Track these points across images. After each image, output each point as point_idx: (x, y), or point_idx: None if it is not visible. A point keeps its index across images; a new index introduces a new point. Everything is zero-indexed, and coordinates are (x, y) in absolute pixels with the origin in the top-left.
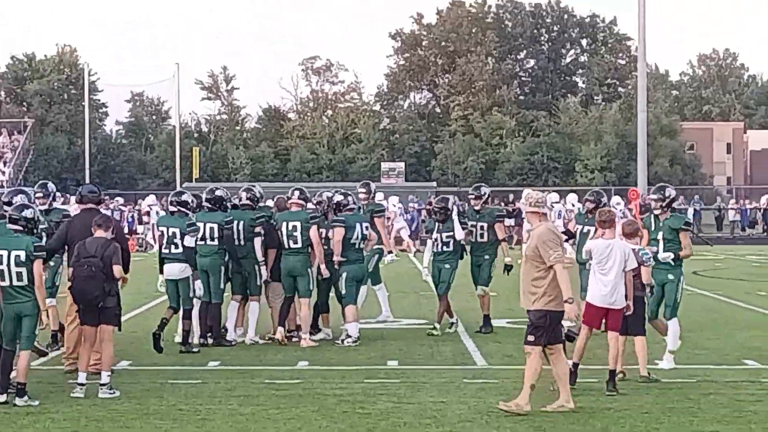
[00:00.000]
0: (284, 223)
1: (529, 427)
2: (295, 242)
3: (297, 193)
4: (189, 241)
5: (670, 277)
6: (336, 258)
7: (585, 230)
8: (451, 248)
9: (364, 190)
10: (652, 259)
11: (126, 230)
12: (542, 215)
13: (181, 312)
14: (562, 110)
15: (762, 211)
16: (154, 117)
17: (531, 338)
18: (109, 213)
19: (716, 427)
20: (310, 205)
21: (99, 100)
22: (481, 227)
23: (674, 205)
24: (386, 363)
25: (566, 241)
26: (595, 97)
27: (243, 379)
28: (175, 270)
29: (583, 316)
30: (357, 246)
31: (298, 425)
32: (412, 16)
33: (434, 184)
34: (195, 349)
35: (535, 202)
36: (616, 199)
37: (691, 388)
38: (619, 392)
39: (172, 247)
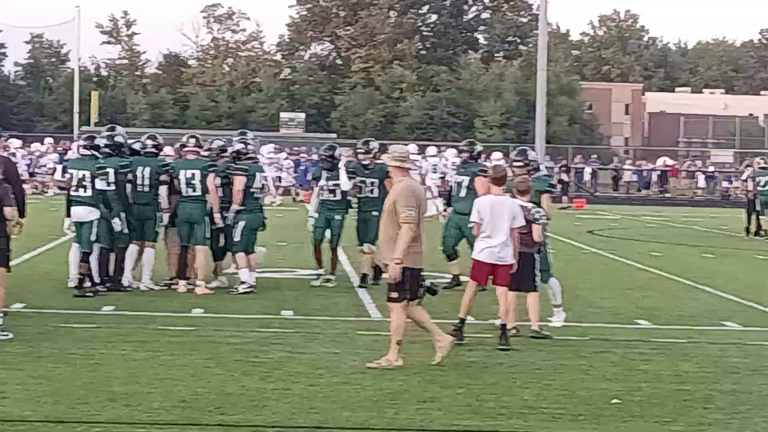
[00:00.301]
0: (182, 171)
1: (420, 381)
2: (194, 190)
3: (192, 140)
4: (100, 183)
5: None
6: (235, 206)
7: (459, 180)
8: (338, 197)
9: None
10: (544, 218)
11: (24, 172)
12: (405, 170)
13: (78, 255)
14: (463, 66)
15: (658, 172)
16: (53, 60)
17: (394, 295)
18: (4, 155)
19: (606, 385)
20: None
21: None
22: (371, 182)
23: (572, 164)
24: (281, 313)
25: (438, 197)
26: (496, 55)
27: (137, 325)
28: (83, 212)
29: (470, 271)
30: (255, 195)
31: (191, 372)
32: None
33: (334, 135)
34: (89, 294)
35: (399, 156)
36: (497, 155)
37: (583, 345)
38: (512, 348)
39: (81, 190)
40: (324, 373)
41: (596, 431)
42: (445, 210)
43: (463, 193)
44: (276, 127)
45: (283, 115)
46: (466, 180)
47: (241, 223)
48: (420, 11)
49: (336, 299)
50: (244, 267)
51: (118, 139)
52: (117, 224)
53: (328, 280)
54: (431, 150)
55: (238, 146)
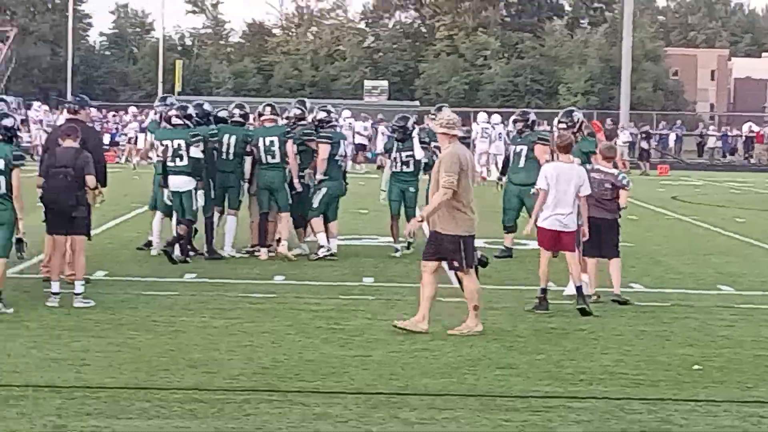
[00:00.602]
0: (261, 139)
1: (500, 347)
2: (273, 157)
3: (269, 108)
4: (195, 151)
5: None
6: (319, 175)
7: (518, 150)
8: (411, 168)
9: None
10: (631, 182)
11: (108, 141)
12: (452, 137)
13: (160, 225)
14: (548, 33)
15: (743, 138)
16: (138, 29)
17: (456, 264)
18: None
19: (687, 351)
20: (280, 121)
21: (83, 11)
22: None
23: (658, 130)
24: (361, 280)
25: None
26: (581, 21)
27: (217, 293)
28: (182, 182)
29: (538, 239)
30: (339, 162)
31: (271, 339)
32: None
33: (417, 103)
34: (183, 260)
35: (446, 123)
36: (496, 117)
37: (664, 311)
38: (594, 314)
39: (177, 159)
40: (404, 339)
41: (677, 397)
42: (499, 179)
43: (521, 163)
44: (360, 95)
45: (367, 83)
46: (524, 149)
47: (323, 190)
48: None
49: (416, 266)
50: (321, 231)
51: (206, 107)
52: (201, 197)
53: (407, 247)
54: (496, 118)
55: (321, 114)
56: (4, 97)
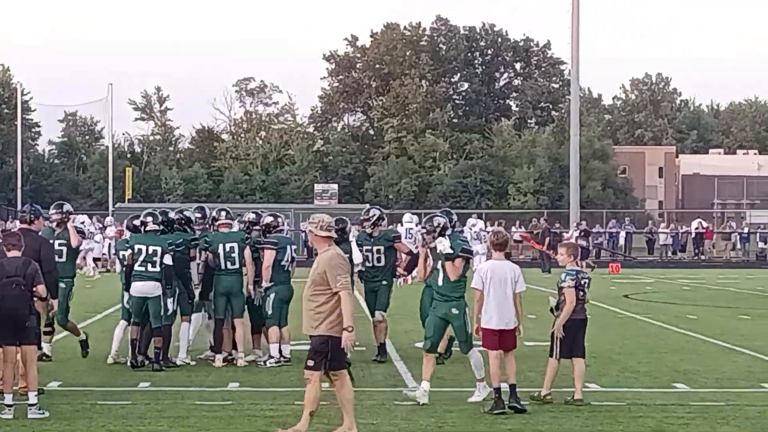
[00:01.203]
0: (221, 245)
1: None
2: (233, 263)
3: (224, 213)
4: (168, 258)
5: (455, 311)
6: (265, 282)
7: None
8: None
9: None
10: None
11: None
12: (330, 239)
13: (121, 333)
14: (496, 133)
15: (693, 235)
16: (87, 137)
17: (311, 363)
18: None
19: None
20: (235, 225)
21: (32, 120)
22: (377, 251)
23: (607, 228)
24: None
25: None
26: (529, 121)
27: (174, 401)
28: (150, 287)
29: (482, 341)
30: (286, 268)
31: None
32: (346, 38)
33: (367, 206)
34: (179, 363)
35: (326, 226)
36: (471, 221)
37: (620, 410)
38: (549, 413)
39: (149, 265)
40: None
41: None
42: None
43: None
44: (310, 198)
45: (317, 187)
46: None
47: (272, 296)
48: (452, 80)
49: (372, 370)
50: (275, 341)
51: (171, 215)
52: (170, 303)
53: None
54: (407, 217)
55: (268, 219)
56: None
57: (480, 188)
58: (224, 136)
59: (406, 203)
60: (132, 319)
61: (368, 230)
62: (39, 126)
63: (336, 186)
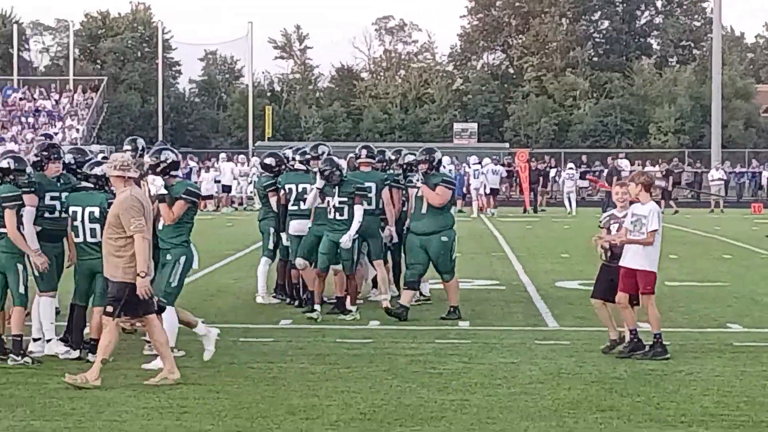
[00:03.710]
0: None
1: (600, 389)
2: (369, 203)
3: (364, 151)
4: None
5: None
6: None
7: (420, 193)
8: (345, 215)
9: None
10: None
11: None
12: (127, 180)
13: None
14: (636, 72)
15: None
16: (227, 76)
17: (109, 309)
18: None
19: None
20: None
21: (172, 59)
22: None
23: (750, 168)
24: (457, 323)
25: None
26: (670, 59)
27: (314, 338)
28: (304, 226)
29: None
30: None
31: (369, 384)
32: None
33: (507, 145)
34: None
35: (120, 165)
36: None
37: (764, 352)
38: (691, 353)
39: (301, 203)
40: (502, 383)
41: None
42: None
43: (424, 209)
44: (449, 137)
45: (456, 126)
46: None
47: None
48: (592, 18)
49: (512, 309)
50: None
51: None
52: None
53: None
54: (474, 159)
55: (409, 158)
56: (85, 148)
57: (620, 127)
58: (363, 75)
59: (546, 142)
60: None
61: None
62: (180, 65)
63: (475, 125)
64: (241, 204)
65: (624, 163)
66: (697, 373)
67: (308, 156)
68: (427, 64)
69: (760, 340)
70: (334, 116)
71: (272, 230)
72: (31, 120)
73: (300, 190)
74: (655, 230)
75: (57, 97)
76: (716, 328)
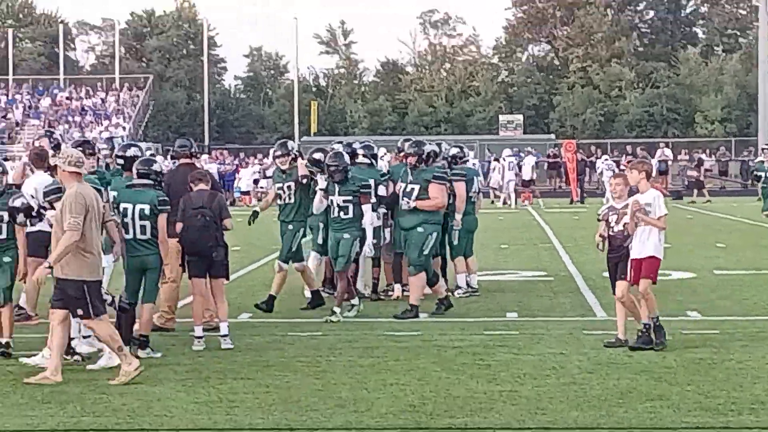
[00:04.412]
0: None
1: (649, 379)
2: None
3: (407, 144)
4: (382, 190)
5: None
6: (458, 214)
7: (408, 189)
8: (350, 214)
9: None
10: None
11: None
12: (78, 175)
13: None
14: (682, 61)
15: None
16: (272, 72)
17: (80, 312)
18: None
19: None
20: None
21: (217, 55)
22: (288, 187)
23: None
24: (505, 315)
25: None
26: (716, 48)
27: (362, 331)
28: (372, 218)
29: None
30: (472, 199)
31: (417, 376)
32: None
33: (552, 136)
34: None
35: (74, 161)
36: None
37: None
38: (739, 342)
39: None
40: (551, 373)
41: None
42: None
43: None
44: (495, 129)
45: (502, 118)
46: (416, 189)
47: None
48: (637, 8)
49: (560, 300)
50: (462, 272)
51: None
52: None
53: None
54: (507, 151)
55: (454, 150)
56: (138, 143)
57: (666, 117)
58: (408, 69)
59: (592, 133)
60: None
61: (284, 166)
62: (225, 61)
63: (521, 117)
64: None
65: (667, 153)
66: (747, 361)
67: (276, 153)
68: (472, 56)
69: None
70: (379, 110)
71: (321, 225)
72: (77, 119)
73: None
74: (665, 214)
75: (103, 95)
76: (765, 316)
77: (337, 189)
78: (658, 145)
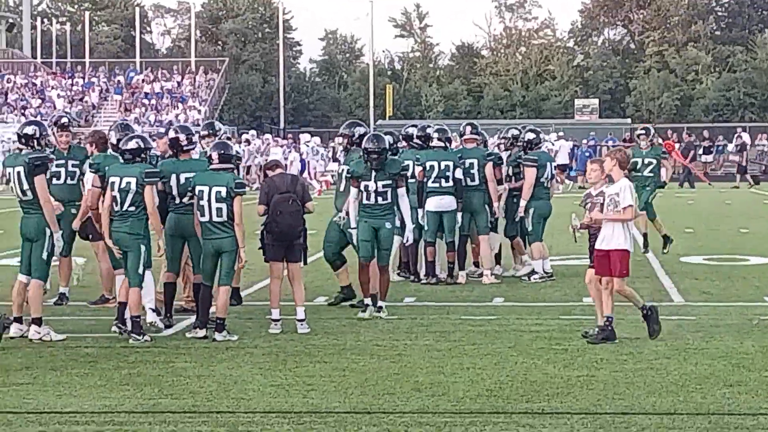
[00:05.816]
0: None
1: (727, 364)
2: (473, 179)
3: (469, 128)
4: (459, 173)
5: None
6: (524, 200)
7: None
8: (389, 199)
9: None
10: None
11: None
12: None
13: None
14: (759, 45)
15: None
16: (347, 55)
17: None
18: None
19: None
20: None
21: (293, 39)
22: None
23: None
24: (581, 300)
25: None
26: None
27: (439, 315)
28: (448, 202)
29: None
30: (546, 184)
31: (494, 361)
32: None
33: (629, 120)
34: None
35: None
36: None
37: None
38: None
39: (443, 180)
40: (628, 358)
41: None
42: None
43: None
44: (570, 114)
45: (578, 102)
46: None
47: (531, 212)
48: None
49: (637, 285)
50: (538, 258)
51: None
52: (460, 218)
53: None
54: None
55: (529, 135)
56: (218, 123)
57: (743, 101)
58: (484, 53)
59: (668, 117)
60: (426, 237)
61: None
62: (300, 45)
63: (596, 101)
64: None
65: (744, 137)
66: None
67: (202, 133)
68: (547, 40)
69: None
70: (454, 94)
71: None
72: (153, 102)
73: (443, 167)
74: (630, 205)
75: (179, 78)
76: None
77: (373, 174)
78: (735, 129)
